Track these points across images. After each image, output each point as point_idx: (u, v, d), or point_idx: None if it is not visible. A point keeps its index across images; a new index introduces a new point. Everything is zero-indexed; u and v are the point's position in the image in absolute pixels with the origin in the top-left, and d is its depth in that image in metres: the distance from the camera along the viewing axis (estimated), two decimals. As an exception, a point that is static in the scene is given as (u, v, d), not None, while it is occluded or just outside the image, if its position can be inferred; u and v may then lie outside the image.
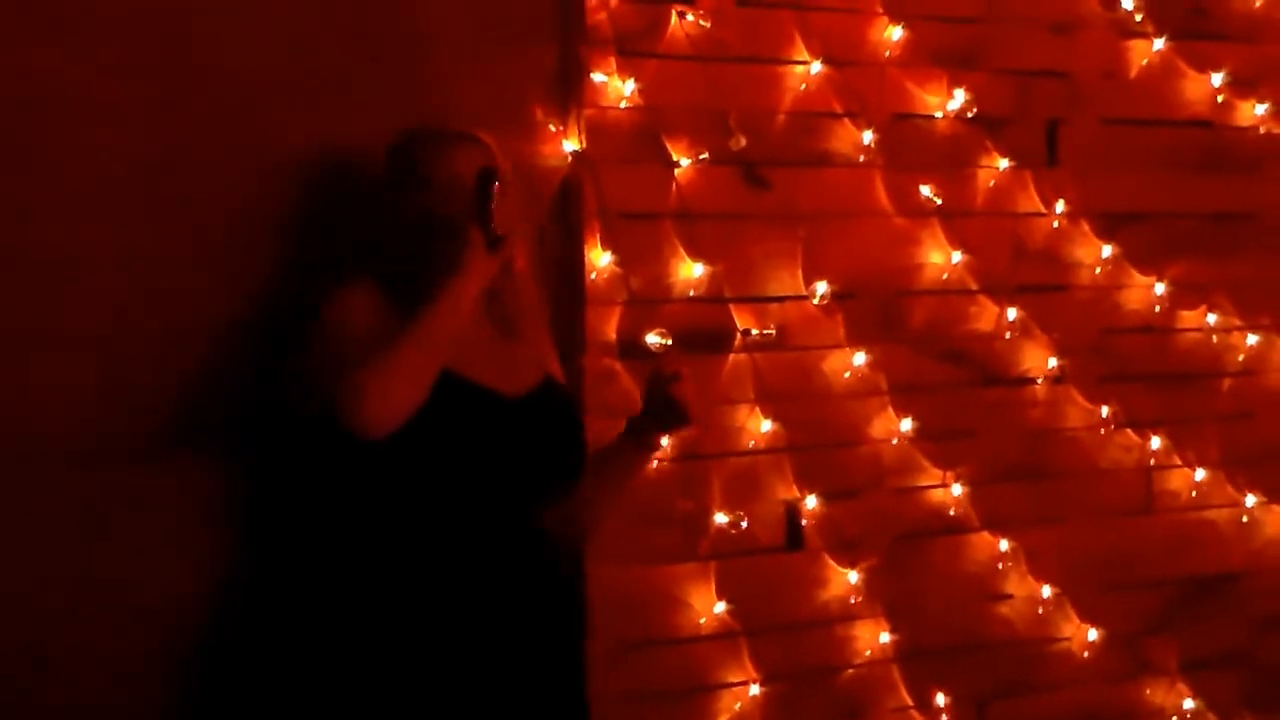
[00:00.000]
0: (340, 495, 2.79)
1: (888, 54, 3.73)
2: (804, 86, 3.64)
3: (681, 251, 3.51)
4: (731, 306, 3.57)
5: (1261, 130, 4.20)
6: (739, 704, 3.60)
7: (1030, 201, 3.92)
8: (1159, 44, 4.05)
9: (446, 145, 2.84)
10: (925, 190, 3.77)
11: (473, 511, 2.75)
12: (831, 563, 3.70)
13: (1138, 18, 4.01)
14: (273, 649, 2.93)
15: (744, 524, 3.56)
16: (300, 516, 2.97)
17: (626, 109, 3.44)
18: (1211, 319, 4.16)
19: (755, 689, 3.61)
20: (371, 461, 2.67)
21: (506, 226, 2.70)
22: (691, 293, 3.52)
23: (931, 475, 3.81)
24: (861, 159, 3.70)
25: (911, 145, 3.77)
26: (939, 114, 3.80)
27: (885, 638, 3.76)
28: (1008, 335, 3.89)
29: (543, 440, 2.85)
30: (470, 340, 2.76)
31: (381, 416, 2.52)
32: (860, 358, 3.70)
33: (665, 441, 3.14)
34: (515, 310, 2.95)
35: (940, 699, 3.83)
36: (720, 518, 3.56)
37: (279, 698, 2.84)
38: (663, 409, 2.95)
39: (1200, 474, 4.16)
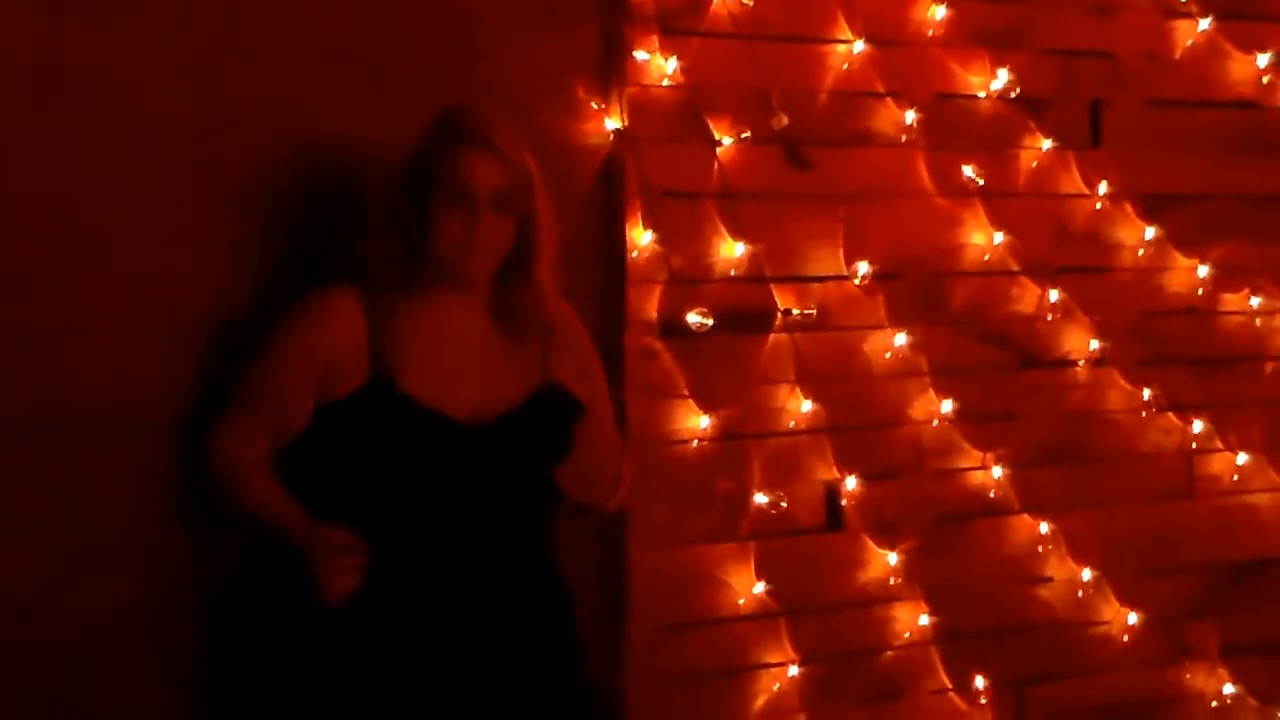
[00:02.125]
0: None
1: (930, 33, 3.71)
2: (846, 66, 3.63)
3: (723, 230, 3.50)
4: (772, 286, 3.56)
5: (1307, 112, 4.16)
6: (777, 685, 3.60)
7: (1073, 183, 3.90)
8: (1204, 24, 4.02)
9: (469, 151, 2.76)
10: (967, 171, 3.75)
11: (415, 538, 2.74)
12: (871, 544, 3.69)
13: (1183, -2, 3.99)
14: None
15: (784, 504, 3.56)
16: None
17: (669, 87, 3.43)
18: (1254, 302, 4.13)
19: (794, 670, 3.61)
20: (319, 474, 2.75)
21: None
22: (733, 272, 3.51)
23: (971, 457, 3.80)
24: (904, 139, 3.69)
25: (954, 125, 3.75)
26: (982, 94, 3.78)
27: (924, 620, 3.75)
28: (1049, 317, 3.88)
29: (492, 472, 2.79)
30: (451, 358, 2.78)
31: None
32: (901, 338, 3.68)
33: None
34: (526, 318, 2.89)
35: (979, 681, 3.82)
36: (760, 498, 3.55)
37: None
38: None
39: (1242, 458, 4.13)
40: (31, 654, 2.88)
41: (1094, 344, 3.92)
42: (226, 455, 2.76)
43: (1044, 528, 3.88)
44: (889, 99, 3.67)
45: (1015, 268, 3.84)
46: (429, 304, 2.81)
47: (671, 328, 3.45)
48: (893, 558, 3.70)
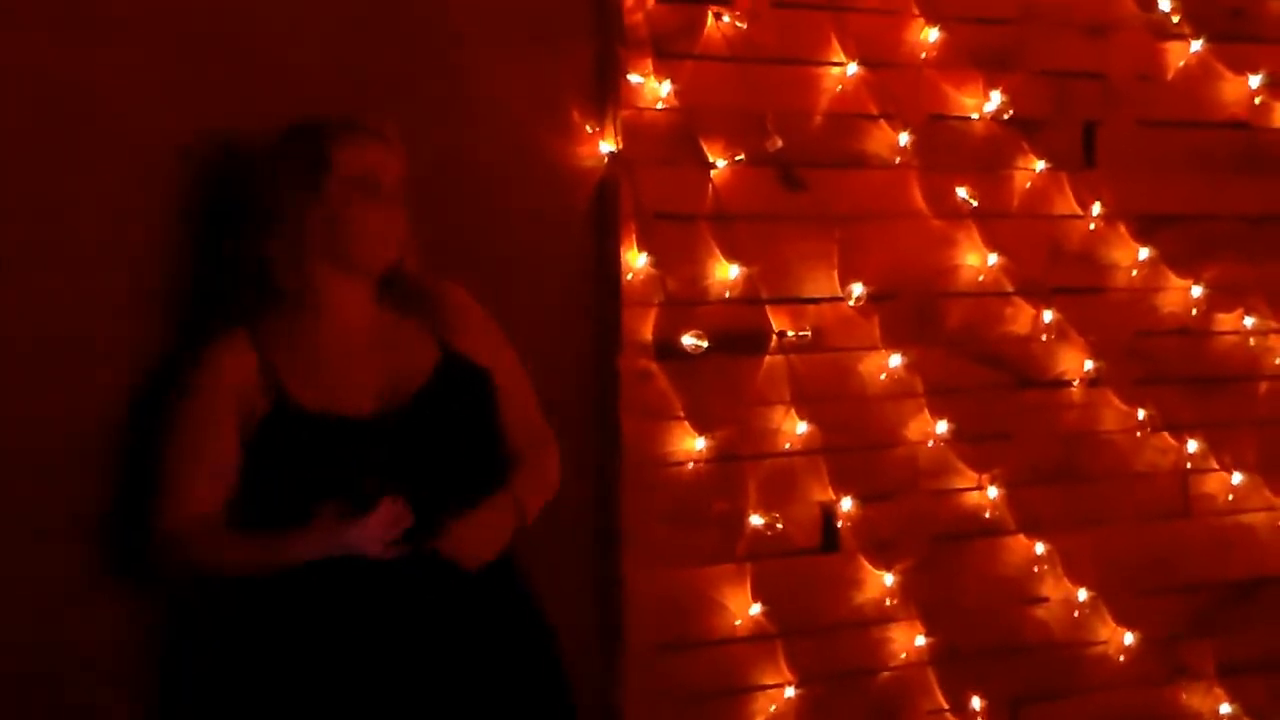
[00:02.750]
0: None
1: (924, 55, 3.72)
2: (840, 88, 3.64)
3: (718, 252, 3.51)
4: (767, 308, 3.57)
5: (1299, 131, 4.18)
6: (774, 706, 3.60)
7: (1066, 203, 3.91)
8: (1196, 45, 4.03)
9: (367, 143, 2.76)
10: (961, 192, 3.76)
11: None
12: (867, 565, 3.69)
13: (1175, 19, 4.00)
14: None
15: (779, 525, 3.56)
16: None
17: (663, 110, 3.44)
18: (1248, 322, 4.14)
19: (790, 691, 3.60)
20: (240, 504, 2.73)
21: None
22: (727, 294, 3.51)
23: (967, 477, 3.81)
24: (898, 160, 3.69)
25: (947, 147, 3.76)
26: (975, 115, 3.79)
27: (920, 640, 3.75)
28: (1044, 337, 3.88)
29: (408, 458, 2.73)
30: (344, 359, 2.76)
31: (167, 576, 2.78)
32: (896, 359, 3.69)
33: None
34: (410, 291, 2.87)
35: (975, 702, 3.82)
36: (756, 519, 3.55)
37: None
38: None
39: (1237, 477, 4.13)
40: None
41: (1089, 364, 3.93)
42: (185, 541, 2.71)
43: (1040, 548, 3.88)
44: (883, 121, 3.68)
45: (1009, 288, 3.84)
46: (319, 302, 2.78)
47: (667, 350, 3.46)
48: (889, 578, 3.70)
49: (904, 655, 3.74)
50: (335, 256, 2.76)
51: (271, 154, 2.79)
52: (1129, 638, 3.99)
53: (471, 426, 2.86)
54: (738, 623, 3.55)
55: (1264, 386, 4.18)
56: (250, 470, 2.72)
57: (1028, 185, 3.86)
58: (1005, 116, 3.80)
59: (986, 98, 3.79)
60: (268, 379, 2.71)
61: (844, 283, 3.65)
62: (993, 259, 3.80)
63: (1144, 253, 3.99)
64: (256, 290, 2.76)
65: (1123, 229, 3.97)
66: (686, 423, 3.49)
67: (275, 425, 2.69)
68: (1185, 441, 4.06)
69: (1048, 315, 3.87)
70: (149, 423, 2.82)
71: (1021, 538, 3.87)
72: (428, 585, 2.72)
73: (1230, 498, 4.13)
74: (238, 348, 2.73)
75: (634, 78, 3.41)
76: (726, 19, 3.48)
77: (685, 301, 3.48)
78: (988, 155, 3.81)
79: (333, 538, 2.63)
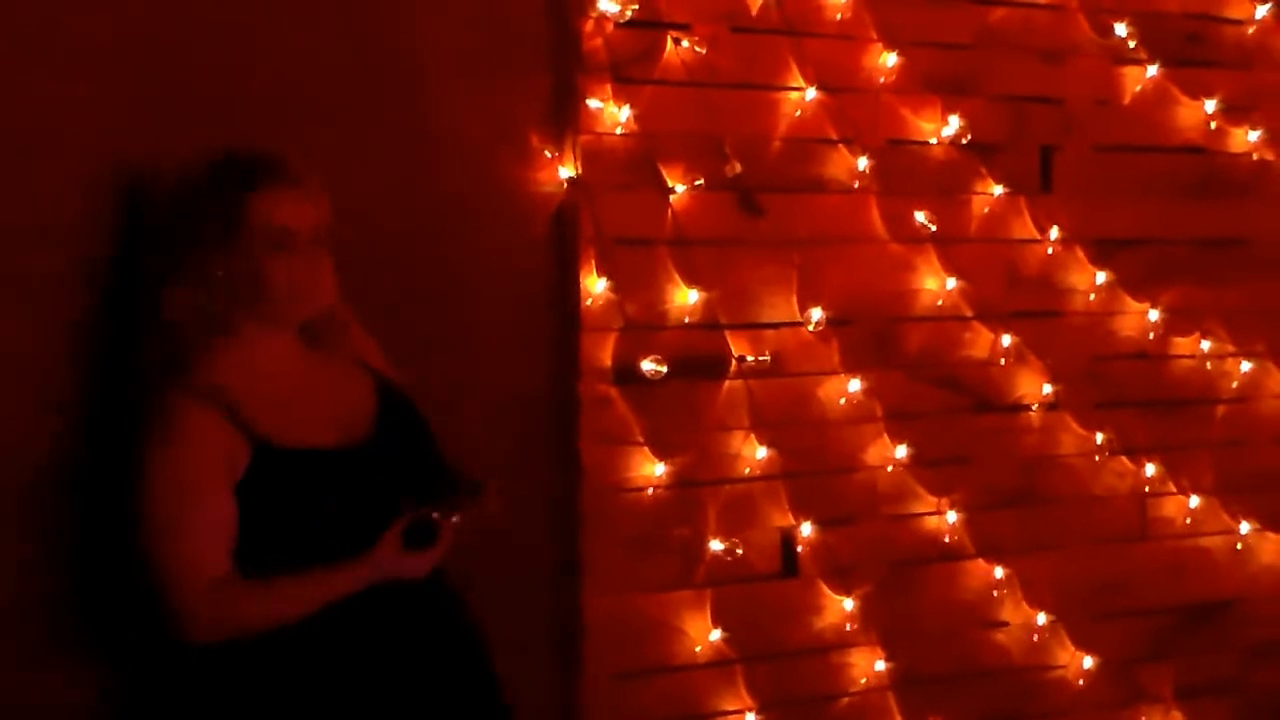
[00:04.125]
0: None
1: (882, 80, 3.73)
2: (799, 112, 3.64)
3: (677, 278, 3.51)
4: (727, 333, 3.56)
5: (1254, 157, 4.20)
6: (734, 732, 3.60)
7: (1024, 228, 3.92)
8: (1152, 71, 4.05)
9: (269, 188, 2.66)
10: (920, 216, 3.76)
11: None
12: (827, 590, 3.69)
13: (1131, 45, 4.01)
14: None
15: (739, 551, 3.55)
16: None
17: (622, 135, 3.44)
18: (1205, 345, 4.16)
19: (751, 717, 3.60)
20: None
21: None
22: (687, 319, 3.51)
23: (926, 502, 3.81)
24: (856, 185, 3.70)
25: (906, 171, 3.76)
26: (933, 140, 3.80)
27: (880, 665, 3.75)
28: (1002, 361, 3.89)
29: (392, 476, 2.75)
30: (294, 398, 2.72)
31: (212, 641, 2.63)
32: (855, 384, 3.69)
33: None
34: (336, 330, 2.84)
35: (935, 726, 3.82)
36: (716, 545, 3.55)
37: None
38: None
39: (1194, 501, 4.15)
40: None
41: (1047, 388, 3.94)
42: (229, 609, 2.64)
43: (999, 572, 3.88)
44: (841, 145, 3.69)
45: (968, 313, 3.85)
46: (252, 349, 2.73)
47: (626, 375, 3.45)
48: (848, 603, 3.70)
49: (864, 680, 3.74)
50: (255, 308, 2.69)
51: (186, 205, 2.70)
52: (1088, 661, 4.00)
53: (427, 440, 2.86)
54: (698, 649, 3.55)
55: (1221, 410, 4.20)
56: (244, 515, 2.65)
57: (986, 210, 3.87)
58: (963, 141, 3.81)
59: (945, 122, 3.80)
60: (237, 425, 2.64)
61: (803, 307, 3.65)
62: (951, 283, 3.81)
63: (1101, 277, 4.00)
64: (187, 341, 2.67)
65: (1080, 253, 3.99)
66: (646, 448, 3.48)
67: (263, 467, 2.64)
68: (1143, 465, 4.08)
69: (1006, 339, 3.88)
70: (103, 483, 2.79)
71: (981, 562, 3.87)
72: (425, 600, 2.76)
73: (1188, 521, 4.15)
74: (197, 405, 2.64)
75: (593, 103, 3.41)
76: (685, 44, 3.48)
77: (645, 326, 3.47)
78: (946, 180, 3.82)
79: (390, 564, 2.65)
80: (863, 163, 3.69)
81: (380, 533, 2.67)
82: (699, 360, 3.53)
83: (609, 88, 3.43)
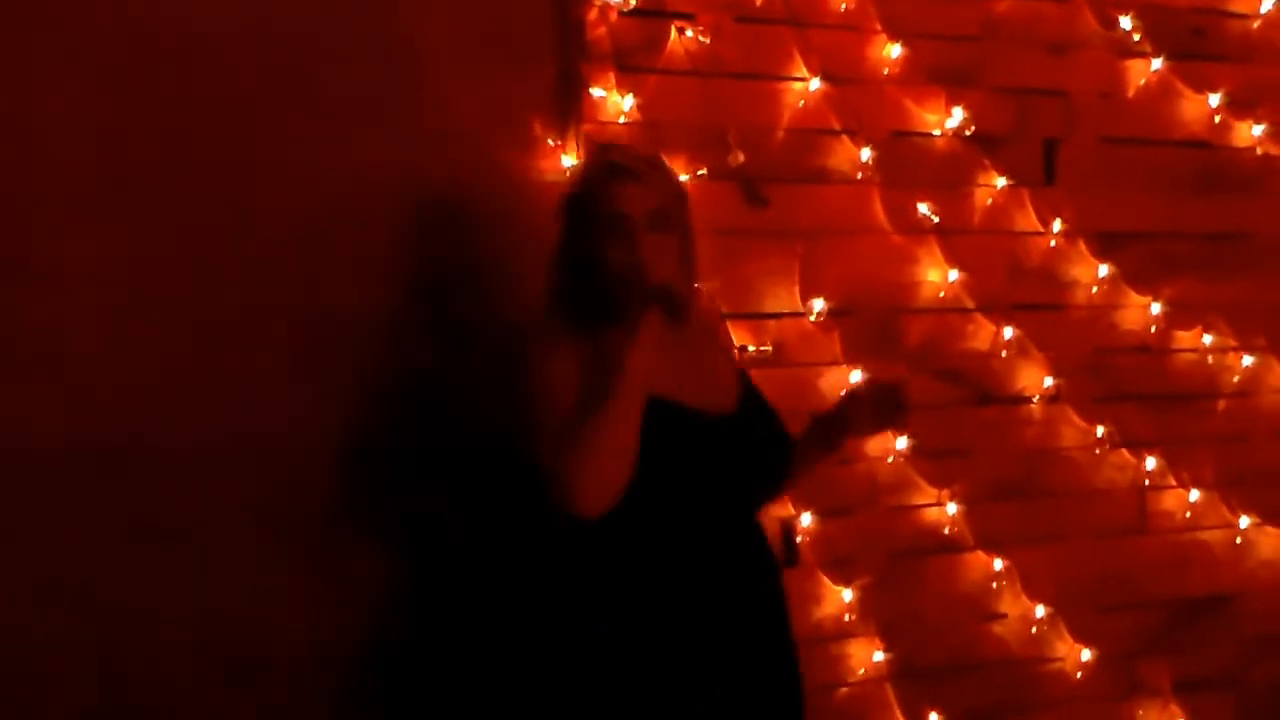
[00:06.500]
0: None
1: (886, 71, 3.73)
2: (802, 103, 3.64)
3: (679, 267, 3.50)
4: (729, 323, 3.56)
5: (1258, 151, 4.20)
6: (732, 722, 3.59)
7: (1027, 220, 3.92)
8: (1157, 64, 4.05)
9: (612, 182, 2.82)
10: (923, 208, 3.76)
11: (696, 525, 2.77)
12: (826, 580, 3.69)
13: (1136, 38, 4.02)
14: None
15: (739, 541, 3.55)
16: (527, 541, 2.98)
17: (625, 124, 3.44)
18: (1207, 339, 4.16)
19: (749, 707, 3.60)
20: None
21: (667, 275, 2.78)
22: (689, 309, 3.51)
23: (926, 494, 3.81)
24: (859, 176, 3.70)
25: (909, 163, 3.77)
26: (937, 132, 3.80)
27: (879, 656, 3.75)
28: (1003, 354, 3.89)
29: (751, 456, 2.87)
30: (669, 363, 2.78)
31: (597, 504, 2.64)
32: (857, 375, 3.69)
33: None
34: (700, 315, 3.03)
35: (933, 718, 3.82)
36: (715, 535, 3.55)
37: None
38: (882, 414, 3.03)
39: (1195, 495, 4.15)
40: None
41: (1048, 381, 3.94)
42: (573, 478, 2.66)
43: (998, 564, 3.88)
44: (845, 136, 3.69)
45: (970, 304, 3.85)
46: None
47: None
48: (848, 594, 3.70)
49: (862, 671, 3.74)
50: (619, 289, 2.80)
51: (563, 205, 2.90)
52: (1086, 654, 4.00)
53: (781, 425, 3.00)
54: (696, 638, 3.55)
55: (1222, 404, 4.20)
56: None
57: (989, 202, 3.87)
58: (967, 133, 3.81)
59: (948, 114, 3.80)
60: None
61: (805, 298, 3.65)
62: (953, 275, 3.81)
63: (1104, 270, 4.00)
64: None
65: (1083, 246, 3.99)
66: (646, 438, 3.48)
67: (658, 417, 2.71)
68: (1143, 458, 4.08)
69: (1008, 332, 3.88)
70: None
71: (980, 554, 3.88)
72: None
73: (1188, 514, 4.15)
74: (564, 341, 2.79)
75: (596, 92, 3.41)
76: (689, 33, 3.48)
77: (646, 316, 3.46)
78: (949, 171, 3.82)
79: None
80: (866, 154, 3.69)
81: (734, 501, 2.83)
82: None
83: (612, 77, 3.43)
